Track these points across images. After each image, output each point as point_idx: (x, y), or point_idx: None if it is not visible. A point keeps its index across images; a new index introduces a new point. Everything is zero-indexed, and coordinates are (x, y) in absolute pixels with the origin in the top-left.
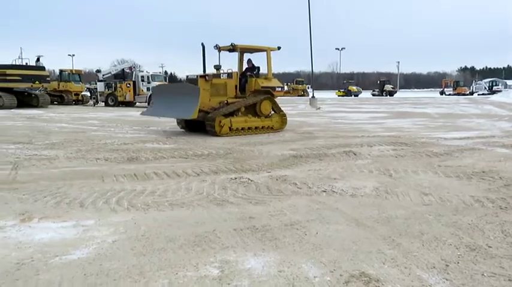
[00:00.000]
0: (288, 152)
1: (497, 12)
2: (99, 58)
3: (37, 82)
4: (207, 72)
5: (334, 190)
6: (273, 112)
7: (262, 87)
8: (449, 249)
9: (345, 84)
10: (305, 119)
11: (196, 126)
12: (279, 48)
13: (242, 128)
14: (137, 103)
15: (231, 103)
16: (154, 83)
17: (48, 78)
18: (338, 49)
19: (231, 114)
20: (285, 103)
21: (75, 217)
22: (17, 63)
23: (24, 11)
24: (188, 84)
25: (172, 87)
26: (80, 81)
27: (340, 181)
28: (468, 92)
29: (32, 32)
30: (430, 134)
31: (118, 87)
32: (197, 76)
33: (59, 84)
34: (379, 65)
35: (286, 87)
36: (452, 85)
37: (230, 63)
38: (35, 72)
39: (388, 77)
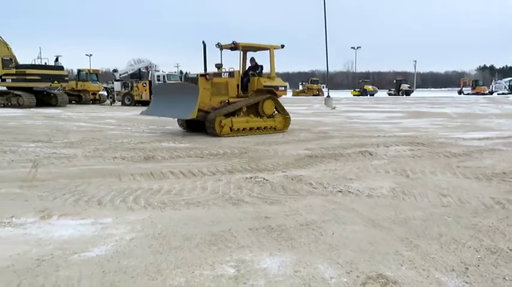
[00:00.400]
0: (303, 152)
1: None
2: (115, 58)
3: (56, 82)
4: (208, 71)
5: (350, 190)
6: (276, 112)
7: (264, 86)
8: (469, 252)
9: (361, 83)
10: (320, 118)
11: (197, 127)
12: (282, 46)
13: (243, 129)
14: None
15: (233, 103)
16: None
17: (66, 78)
18: (353, 48)
19: (232, 114)
20: (300, 103)
21: (94, 214)
22: (37, 63)
23: (43, 11)
24: (187, 84)
25: (172, 87)
26: (97, 80)
27: (356, 181)
28: (487, 92)
29: (50, 32)
30: (448, 134)
31: (134, 87)
32: (197, 75)
33: (76, 84)
34: (395, 64)
35: (300, 87)
36: (471, 84)
37: (235, 63)
38: (53, 72)
39: (405, 76)
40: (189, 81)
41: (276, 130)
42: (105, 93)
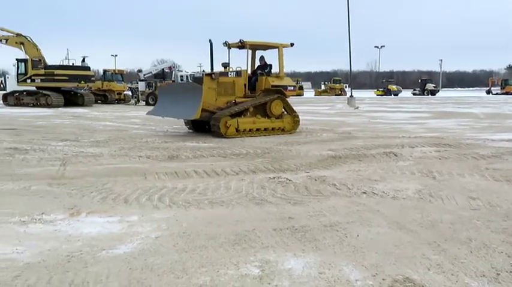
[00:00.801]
0: (327, 152)
1: None
2: (140, 58)
3: (82, 82)
4: (215, 70)
5: (374, 192)
6: (285, 113)
7: (272, 86)
8: (500, 257)
9: (384, 83)
10: (343, 118)
11: (203, 127)
12: (292, 45)
13: (250, 130)
14: None
15: (239, 103)
16: None
17: (93, 78)
18: (377, 47)
19: (239, 114)
20: (322, 102)
21: (120, 212)
22: (64, 64)
23: (71, 13)
24: (191, 83)
25: (177, 87)
26: (122, 80)
27: (381, 183)
28: None
29: (78, 33)
30: (476, 135)
31: (158, 87)
32: (203, 74)
33: (102, 84)
34: (420, 63)
35: (323, 86)
36: (500, 84)
37: (244, 62)
38: (80, 72)
39: (430, 76)
40: (194, 81)
41: (284, 131)
42: (129, 93)
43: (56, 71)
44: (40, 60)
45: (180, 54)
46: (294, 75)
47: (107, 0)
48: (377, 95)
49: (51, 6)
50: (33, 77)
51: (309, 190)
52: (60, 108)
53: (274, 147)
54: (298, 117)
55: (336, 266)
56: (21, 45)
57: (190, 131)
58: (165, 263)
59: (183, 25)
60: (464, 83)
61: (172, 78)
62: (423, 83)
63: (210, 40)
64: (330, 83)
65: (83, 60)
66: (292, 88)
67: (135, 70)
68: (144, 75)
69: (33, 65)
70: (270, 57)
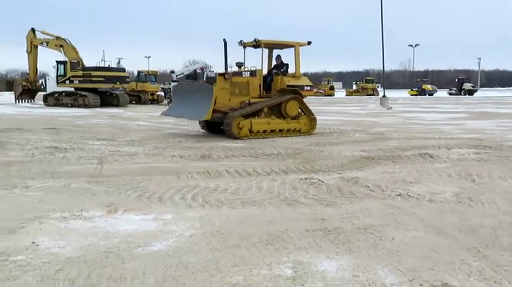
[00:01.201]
0: (359, 153)
1: None
2: (172, 59)
3: (118, 83)
4: (229, 70)
5: (410, 194)
6: (302, 114)
7: (288, 86)
8: None
9: (419, 82)
10: (376, 119)
11: (218, 128)
12: (309, 43)
13: (264, 131)
14: None
15: (253, 103)
16: None
17: (127, 79)
18: (411, 46)
19: (252, 115)
20: (354, 103)
21: (155, 210)
22: (101, 66)
23: (106, 16)
24: (203, 84)
25: (190, 87)
26: (156, 81)
27: (416, 185)
28: None
29: (113, 35)
30: None
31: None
32: (216, 74)
33: (136, 85)
34: (456, 62)
35: (354, 86)
36: None
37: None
38: (116, 74)
39: (467, 75)
40: (208, 81)
41: (300, 133)
42: (162, 93)
43: (93, 73)
44: (78, 62)
45: (211, 55)
46: (324, 75)
47: (140, 3)
48: (411, 95)
49: (89, 10)
50: (71, 79)
51: (341, 191)
52: (96, 109)
53: (305, 147)
54: (315, 118)
55: (371, 270)
56: (61, 48)
57: (205, 131)
58: (199, 262)
59: (214, 25)
60: (504, 82)
61: (204, 79)
62: (460, 83)
63: (224, 39)
64: (362, 82)
65: (118, 62)
66: (309, 88)
67: (168, 71)
68: (177, 76)
69: (71, 67)
70: (289, 56)
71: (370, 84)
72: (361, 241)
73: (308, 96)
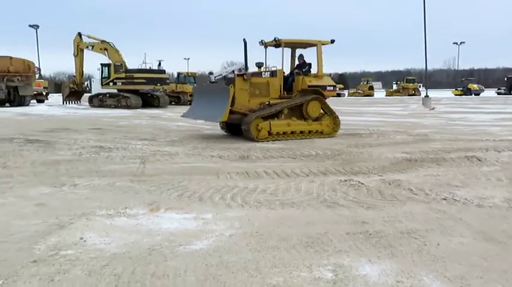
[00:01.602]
0: (401, 155)
1: None
2: (210, 61)
3: (158, 84)
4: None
5: (455, 199)
6: (324, 115)
7: (309, 86)
8: None
9: (464, 82)
10: (418, 120)
11: (238, 130)
12: (332, 41)
13: (284, 133)
14: None
15: (273, 104)
16: None
17: (167, 81)
18: (456, 43)
19: (272, 116)
20: (394, 103)
21: (196, 209)
22: (142, 68)
23: (148, 20)
24: (220, 85)
25: (208, 88)
26: (195, 83)
27: (463, 189)
28: None
29: (154, 37)
30: None
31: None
32: (234, 75)
33: (176, 86)
34: (505, 60)
35: (394, 86)
36: None
37: (286, 61)
38: (157, 76)
39: None
40: (227, 82)
41: (323, 134)
42: None
43: (135, 75)
44: (121, 64)
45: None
46: (363, 75)
47: (179, 6)
48: (455, 94)
49: (131, 13)
50: (115, 81)
51: (382, 194)
52: (138, 110)
53: (344, 149)
54: (338, 119)
55: (415, 276)
56: (105, 51)
57: (226, 133)
58: (239, 262)
59: (251, 27)
60: None
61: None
62: (510, 82)
63: (244, 39)
64: (403, 82)
65: (159, 64)
66: (331, 88)
67: (207, 72)
68: (215, 77)
69: (115, 69)
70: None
71: (411, 84)
72: (405, 246)
73: (345, 97)
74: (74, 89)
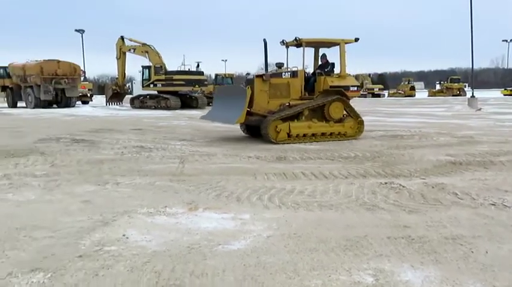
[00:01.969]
0: (444, 158)
1: None
2: (247, 62)
3: (197, 86)
4: (269, 70)
5: (505, 204)
6: (347, 116)
7: (331, 87)
8: None
9: None
10: (463, 121)
11: (258, 132)
12: (356, 40)
13: (304, 135)
14: None
15: (294, 106)
16: None
17: (205, 82)
18: (506, 41)
19: (292, 118)
20: (437, 103)
21: (233, 210)
22: (181, 69)
23: (186, 24)
24: (238, 86)
25: (227, 90)
26: (232, 84)
27: None
28: None
29: (192, 39)
30: None
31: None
32: (254, 76)
33: (214, 87)
34: None
35: (438, 86)
36: None
37: (308, 61)
38: (195, 77)
39: None
40: (247, 83)
41: (345, 137)
42: None
43: (175, 77)
44: (161, 66)
45: (282, 58)
46: (404, 75)
47: (215, 9)
48: (504, 95)
49: (173, 17)
50: (155, 82)
51: (425, 197)
52: (177, 111)
53: (384, 150)
54: (362, 121)
55: (461, 284)
56: (146, 54)
57: (246, 135)
58: (277, 263)
59: (285, 27)
60: None
61: None
62: None
63: (264, 39)
64: (447, 82)
65: (197, 65)
66: (355, 89)
67: (244, 74)
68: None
69: (155, 71)
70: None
71: (456, 84)
72: (450, 252)
73: (384, 98)
74: (116, 91)
